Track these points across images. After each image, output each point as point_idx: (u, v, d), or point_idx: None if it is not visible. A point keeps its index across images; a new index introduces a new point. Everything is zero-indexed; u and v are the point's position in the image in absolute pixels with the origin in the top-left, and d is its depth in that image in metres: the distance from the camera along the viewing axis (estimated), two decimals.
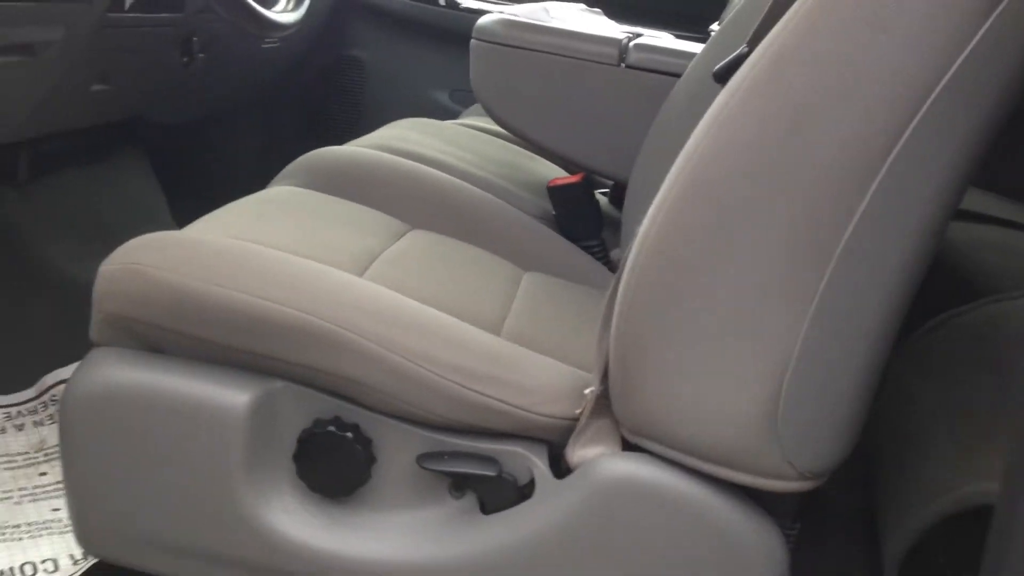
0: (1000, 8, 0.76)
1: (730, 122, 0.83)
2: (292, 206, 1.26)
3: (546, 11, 1.60)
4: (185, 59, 1.71)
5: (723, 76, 0.90)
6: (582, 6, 1.84)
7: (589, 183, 1.48)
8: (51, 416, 1.57)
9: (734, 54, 0.97)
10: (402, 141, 1.56)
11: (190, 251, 0.97)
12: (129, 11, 1.45)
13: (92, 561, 1.28)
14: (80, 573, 1.28)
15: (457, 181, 1.41)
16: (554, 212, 1.46)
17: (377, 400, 0.94)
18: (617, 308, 0.89)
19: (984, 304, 1.40)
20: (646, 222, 0.87)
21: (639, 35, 1.57)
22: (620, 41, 1.47)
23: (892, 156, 0.79)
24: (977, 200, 2.04)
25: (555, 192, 1.46)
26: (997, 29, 0.77)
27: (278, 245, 1.04)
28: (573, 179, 1.46)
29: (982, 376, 1.22)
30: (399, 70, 2.45)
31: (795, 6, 0.81)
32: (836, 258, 0.81)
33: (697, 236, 0.84)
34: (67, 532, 1.33)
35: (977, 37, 0.77)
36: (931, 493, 1.06)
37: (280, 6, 1.79)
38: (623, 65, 1.45)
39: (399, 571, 0.95)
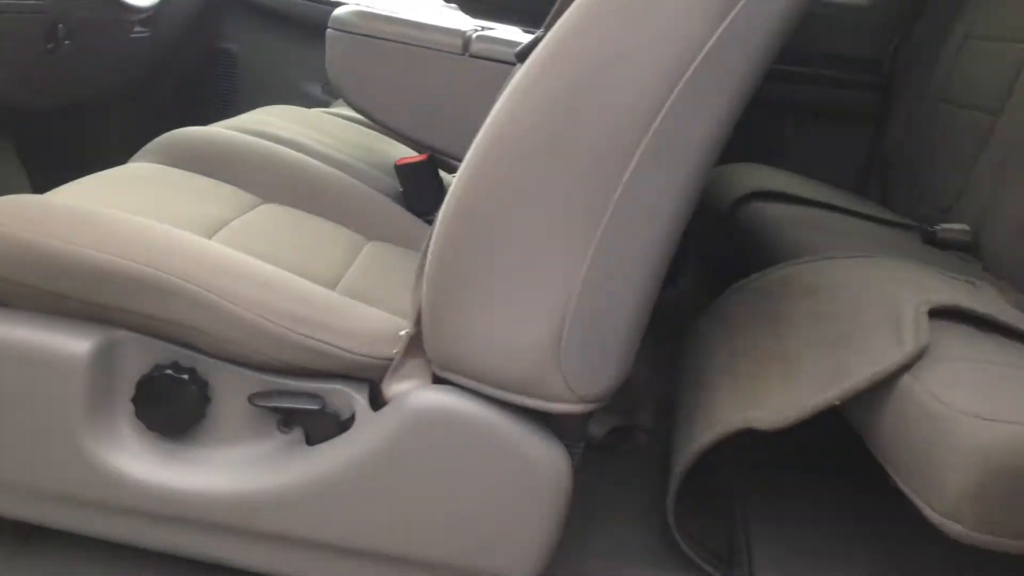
0: (741, 3, 0.92)
1: (522, 93, 0.96)
2: (147, 180, 1.35)
3: (401, 6, 1.71)
4: (50, 45, 1.76)
5: (522, 56, 1.03)
6: (441, 2, 1.97)
7: (434, 162, 1.60)
8: None
9: (532, 37, 1.11)
10: (262, 124, 1.65)
11: (38, 211, 1.06)
12: None
13: None
14: None
15: (310, 160, 1.52)
16: (401, 188, 1.58)
17: (212, 345, 1.04)
18: (428, 258, 1.02)
19: (779, 268, 1.58)
20: (455, 182, 1.00)
21: (487, 28, 1.70)
22: (464, 32, 1.60)
23: (656, 123, 0.93)
24: (796, 184, 2.24)
25: (402, 170, 1.57)
26: (742, 16, 0.92)
27: (127, 210, 1.13)
28: (419, 158, 1.58)
29: (763, 325, 1.38)
30: (271, 63, 2.53)
31: None
32: (609, 212, 0.95)
33: (494, 192, 0.97)
34: None
35: (725, 23, 0.92)
36: (708, 423, 1.21)
37: None
38: (467, 55, 1.57)
39: (232, 501, 1.06)
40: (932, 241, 2.02)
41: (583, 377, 1.00)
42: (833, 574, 1.30)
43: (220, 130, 1.53)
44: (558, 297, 0.97)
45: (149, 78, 2.40)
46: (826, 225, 1.94)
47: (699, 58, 0.91)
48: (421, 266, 1.05)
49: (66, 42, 1.81)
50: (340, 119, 1.93)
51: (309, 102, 2.38)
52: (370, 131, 1.86)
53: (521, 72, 0.96)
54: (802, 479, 1.47)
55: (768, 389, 1.23)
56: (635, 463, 1.53)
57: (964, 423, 0.99)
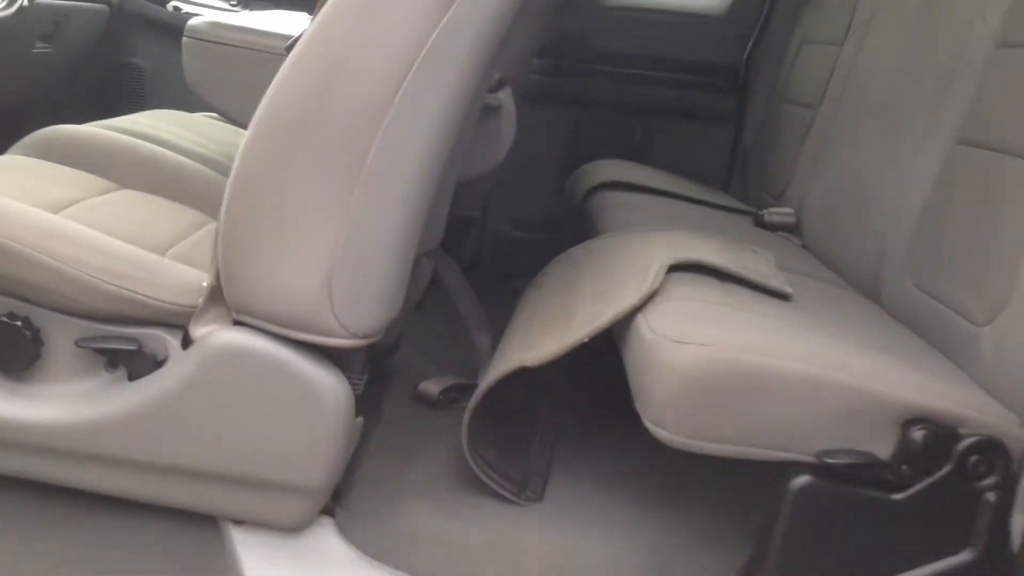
0: (455, 3, 1.13)
1: (286, 75, 1.17)
2: (13, 167, 1.55)
3: (257, 17, 1.92)
4: None
5: (290, 48, 1.23)
6: (306, 15, 2.17)
7: None
8: None
9: (300, 32, 1.31)
10: (132, 123, 1.85)
11: None
12: None
13: None
14: None
15: (165, 151, 1.72)
16: None
17: (43, 297, 1.24)
18: (221, 218, 1.22)
19: (588, 242, 1.80)
20: (239, 152, 1.20)
21: None
22: (297, 37, 1.80)
23: (397, 97, 1.14)
24: (649, 177, 2.46)
25: None
26: (459, 11, 1.14)
27: None
28: None
29: (559, 287, 1.60)
30: (176, 75, 2.72)
31: None
32: (364, 172, 1.16)
33: (267, 160, 1.18)
34: None
35: (446, 17, 1.14)
36: (496, 366, 1.43)
37: None
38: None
39: (68, 429, 1.25)
40: (762, 224, 2.25)
41: (353, 315, 1.20)
42: (610, 492, 1.51)
43: (87, 128, 1.73)
44: (325, 246, 1.17)
45: (56, 89, 2.58)
46: (658, 210, 2.16)
47: (428, 44, 1.13)
48: (219, 225, 1.25)
49: None
50: (219, 122, 2.13)
51: (200, 107, 2.57)
52: (241, 130, 2.06)
53: (288, 59, 1.17)
54: (608, 418, 1.66)
55: (546, 335, 1.44)
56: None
57: (665, 346, 1.20)
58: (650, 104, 2.87)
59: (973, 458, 1.18)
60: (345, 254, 1.17)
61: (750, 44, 2.82)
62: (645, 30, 2.89)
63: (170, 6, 2.61)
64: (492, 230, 2.80)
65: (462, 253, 2.42)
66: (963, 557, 1.20)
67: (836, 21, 2.34)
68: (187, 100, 2.71)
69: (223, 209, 1.21)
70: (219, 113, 1.86)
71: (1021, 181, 1.31)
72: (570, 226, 2.38)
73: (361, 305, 1.21)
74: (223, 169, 1.78)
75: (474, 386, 1.82)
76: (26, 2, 2.09)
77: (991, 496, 1.18)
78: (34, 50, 2.31)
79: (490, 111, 1.77)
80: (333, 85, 1.15)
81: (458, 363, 1.89)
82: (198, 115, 2.20)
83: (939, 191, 1.53)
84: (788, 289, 1.46)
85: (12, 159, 1.60)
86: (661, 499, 1.53)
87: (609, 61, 2.85)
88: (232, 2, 2.83)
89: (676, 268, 1.40)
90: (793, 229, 2.22)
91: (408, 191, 1.19)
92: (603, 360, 1.53)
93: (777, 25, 2.73)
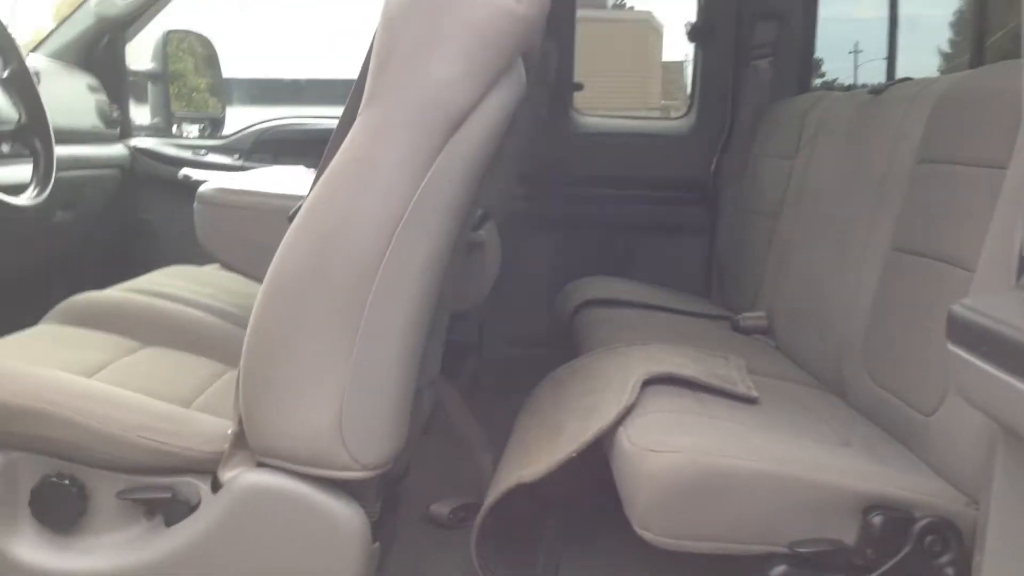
0: (437, 162, 1.31)
1: (289, 244, 1.34)
2: (48, 337, 1.71)
3: (254, 177, 2.12)
4: None
5: (292, 217, 1.41)
6: (303, 168, 2.37)
7: None
8: None
9: (299, 202, 1.47)
10: (152, 284, 2.03)
11: None
12: None
13: None
14: None
15: (185, 308, 1.89)
16: None
17: (86, 456, 1.38)
18: (240, 371, 1.37)
19: (577, 360, 1.95)
20: (254, 308, 1.36)
21: None
22: (303, 196, 1.99)
23: (386, 256, 1.31)
24: (632, 291, 2.63)
25: None
26: (434, 178, 1.31)
27: (28, 361, 1.49)
28: None
29: (548, 404, 1.75)
30: (184, 230, 2.92)
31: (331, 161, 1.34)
32: (363, 322, 1.31)
33: (277, 318, 1.34)
34: None
35: (422, 184, 1.31)
36: (496, 485, 1.56)
37: (28, 192, 2.17)
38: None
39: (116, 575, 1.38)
40: (738, 328, 2.41)
41: (364, 449, 1.35)
42: None
43: (110, 292, 1.91)
44: (334, 390, 1.32)
45: (74, 253, 2.77)
46: (640, 324, 2.32)
47: (412, 202, 1.30)
48: (239, 376, 1.40)
49: None
50: (229, 273, 2.31)
51: (209, 259, 2.76)
52: (251, 281, 2.23)
53: (291, 227, 1.35)
54: (608, 524, 1.77)
55: (539, 451, 1.58)
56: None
57: (643, 456, 1.35)
58: (629, 220, 3.06)
59: (929, 538, 1.31)
60: (352, 395, 1.33)
61: (715, 159, 3.03)
62: (617, 152, 3.11)
63: (181, 175, 2.82)
64: (490, 351, 2.95)
65: (463, 378, 2.57)
66: None
67: (788, 137, 2.55)
68: (196, 252, 2.91)
69: (242, 362, 1.37)
70: (230, 268, 2.03)
71: (947, 283, 1.48)
72: (561, 342, 2.54)
73: (371, 439, 1.35)
74: (236, 319, 1.94)
75: (478, 505, 1.95)
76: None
77: (949, 571, 1.31)
78: (55, 219, 2.50)
79: (474, 247, 1.95)
80: (329, 249, 1.32)
81: (465, 483, 2.02)
82: (208, 268, 2.38)
83: (882, 293, 1.70)
84: (754, 394, 1.60)
85: (47, 328, 1.77)
86: None
87: (586, 183, 3.06)
88: (235, 156, 3.05)
89: (651, 382, 1.56)
90: (767, 331, 2.38)
91: (404, 333, 1.35)
92: (600, 468, 1.67)
93: (737, 141, 2.95)
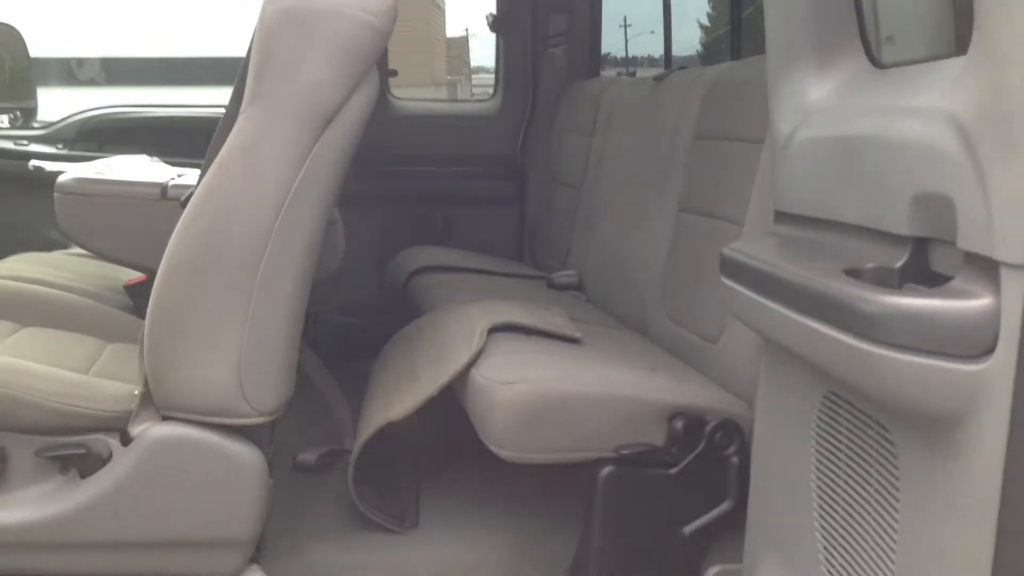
0: (312, 152, 1.55)
1: (187, 223, 1.55)
2: None
3: (108, 166, 2.25)
4: None
5: (185, 202, 1.61)
6: (145, 157, 2.51)
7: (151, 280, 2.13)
8: None
9: (191, 189, 1.67)
10: (15, 270, 2.14)
11: None
12: None
13: None
14: None
15: (52, 291, 2.02)
16: (132, 302, 2.10)
17: (6, 422, 1.54)
18: (145, 337, 1.57)
19: (419, 319, 2.22)
20: (155, 284, 1.56)
21: (182, 175, 2.25)
22: (163, 184, 2.15)
23: (274, 230, 1.53)
24: (455, 257, 2.91)
25: (131, 288, 2.11)
26: (313, 162, 1.55)
27: None
28: (143, 278, 2.11)
29: (402, 355, 2.02)
30: (16, 217, 2.95)
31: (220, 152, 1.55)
32: (255, 288, 1.54)
33: (178, 284, 1.55)
34: None
35: (301, 172, 1.55)
36: (365, 426, 1.82)
37: None
38: (165, 198, 2.12)
39: (32, 527, 1.54)
40: (553, 286, 2.75)
41: (260, 398, 1.58)
42: (468, 509, 1.93)
43: None
44: (233, 347, 1.55)
45: None
46: (469, 286, 2.62)
47: (293, 187, 1.53)
48: (141, 343, 1.60)
49: None
50: (75, 256, 2.42)
51: (51, 244, 2.83)
52: (100, 262, 2.35)
53: (186, 210, 1.55)
54: (456, 453, 2.06)
55: (400, 396, 1.86)
56: (340, 476, 2.10)
57: (496, 388, 1.64)
58: (445, 195, 3.35)
59: (718, 435, 1.68)
60: (249, 351, 1.55)
61: (521, 137, 3.37)
62: (432, 133, 3.38)
63: (31, 166, 2.86)
64: (324, 320, 3.17)
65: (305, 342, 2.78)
66: (724, 506, 1.69)
67: (585, 117, 2.92)
68: (26, 236, 2.95)
69: (146, 329, 1.56)
70: (91, 252, 2.16)
71: (723, 235, 1.86)
72: (397, 308, 2.80)
73: (266, 389, 1.59)
74: (100, 298, 2.10)
75: (342, 451, 2.19)
76: None
77: (735, 459, 1.68)
78: None
79: (330, 223, 2.18)
80: (224, 228, 1.54)
81: (325, 433, 2.26)
82: (56, 253, 2.48)
83: (673, 247, 2.07)
84: (578, 335, 1.94)
85: None
86: (511, 508, 1.96)
87: (405, 162, 3.31)
88: (58, 145, 3.11)
89: (494, 330, 1.86)
90: (578, 287, 2.74)
91: (291, 297, 1.59)
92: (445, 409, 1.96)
93: (540, 120, 3.30)
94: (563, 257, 2.90)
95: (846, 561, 1.11)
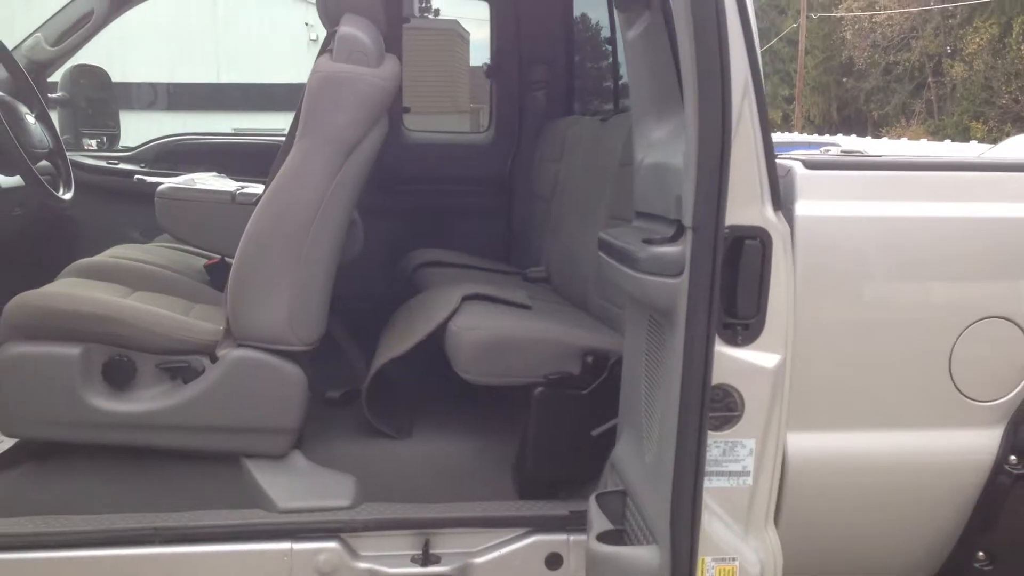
0: (340, 171, 2.34)
1: (260, 209, 2.34)
2: (77, 284, 2.62)
3: (193, 180, 3.06)
4: None
5: (257, 200, 2.40)
6: (214, 174, 3.32)
7: (224, 261, 2.93)
8: None
9: (260, 191, 2.47)
10: (123, 254, 2.95)
11: (50, 291, 2.34)
12: None
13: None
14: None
15: (154, 268, 2.83)
16: (209, 277, 2.91)
17: (135, 344, 2.33)
18: (228, 287, 2.36)
19: (420, 294, 3.01)
20: (238, 249, 2.35)
21: (244, 187, 3.05)
22: (232, 191, 2.95)
23: (316, 216, 2.33)
24: (454, 257, 3.69)
25: (210, 268, 2.91)
26: (347, 169, 2.35)
27: (82, 291, 2.41)
28: (217, 260, 2.92)
29: (405, 316, 2.81)
30: (104, 220, 3.77)
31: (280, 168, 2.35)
32: (304, 251, 2.33)
33: (253, 250, 2.34)
34: None
35: (336, 178, 2.34)
36: (375, 362, 2.60)
37: (61, 192, 3.06)
38: (235, 202, 2.92)
39: (152, 415, 2.33)
40: (527, 279, 3.53)
41: (303, 332, 2.37)
42: (442, 423, 2.70)
43: (100, 257, 2.82)
44: (284, 299, 2.34)
45: (34, 234, 3.56)
46: (462, 277, 3.39)
47: (329, 189, 2.33)
48: (225, 296, 2.38)
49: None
50: (161, 247, 3.23)
51: (135, 240, 3.63)
52: (181, 251, 3.16)
53: (259, 204, 2.35)
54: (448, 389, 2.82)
55: (401, 340, 2.64)
56: (357, 408, 2.86)
57: (464, 333, 2.42)
58: (447, 207, 4.15)
59: (616, 367, 2.44)
60: (295, 300, 2.35)
61: (510, 162, 4.17)
62: (438, 157, 4.19)
63: (136, 179, 3.68)
64: (345, 305, 3.96)
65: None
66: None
67: (555, 147, 3.71)
68: (113, 236, 3.75)
69: (228, 285, 2.36)
70: (180, 241, 2.98)
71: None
72: (403, 294, 3.58)
73: (306, 327, 2.38)
74: (186, 275, 2.90)
75: (359, 390, 2.97)
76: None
77: None
78: (13, 214, 3.33)
79: (351, 222, 2.98)
80: (281, 218, 2.34)
81: (346, 377, 3.03)
82: (149, 245, 3.30)
83: None
84: (528, 303, 2.72)
85: (69, 280, 2.67)
86: (476, 422, 2.72)
87: (414, 181, 4.11)
88: (141, 165, 3.93)
89: (467, 298, 2.64)
90: (547, 280, 3.51)
91: (325, 262, 2.39)
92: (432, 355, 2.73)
93: (524, 149, 4.10)
94: (536, 256, 3.69)
95: (647, 414, 1.89)
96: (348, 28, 2.40)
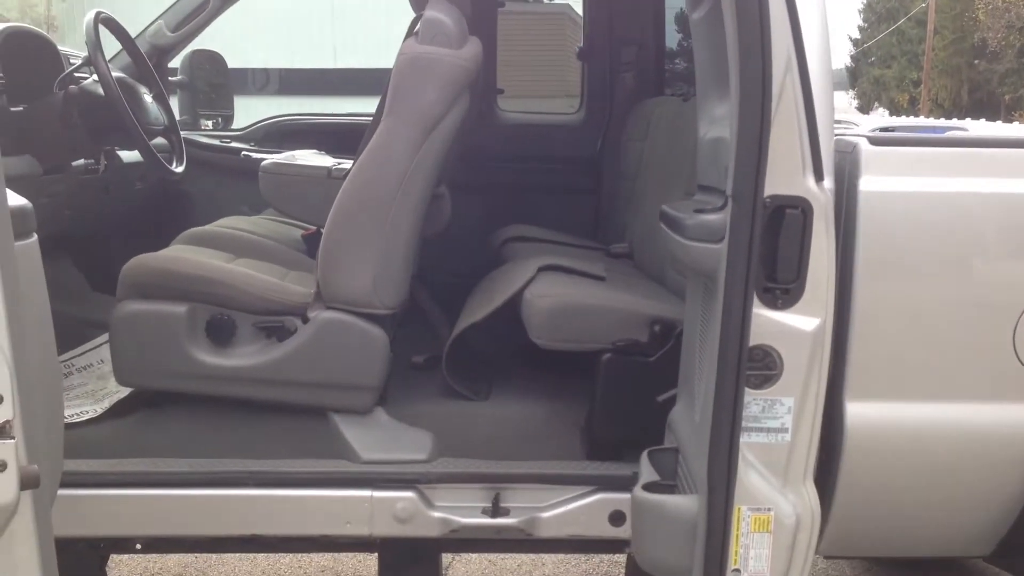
0: (422, 148, 2.50)
1: (350, 180, 2.53)
2: (188, 250, 2.86)
3: (293, 156, 3.28)
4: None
5: (347, 173, 2.58)
6: (315, 151, 3.53)
7: (319, 232, 3.13)
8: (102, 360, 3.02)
9: (349, 165, 2.66)
10: (230, 225, 3.19)
11: (163, 255, 2.58)
12: None
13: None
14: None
15: (256, 237, 3.06)
16: (306, 246, 3.12)
17: (235, 304, 2.55)
18: (320, 254, 2.55)
19: (503, 265, 3.16)
20: (328, 218, 2.54)
21: (340, 163, 3.25)
22: (329, 167, 3.15)
23: (400, 188, 2.50)
24: (541, 233, 3.83)
25: (307, 238, 3.13)
26: (427, 147, 2.51)
27: (191, 256, 2.64)
28: (313, 230, 3.13)
29: (486, 287, 2.96)
30: (216, 195, 4.04)
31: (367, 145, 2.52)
32: (388, 222, 2.50)
33: (343, 220, 2.52)
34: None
35: (418, 154, 2.50)
36: (456, 327, 2.76)
37: (174, 166, 3.34)
38: (331, 177, 3.11)
39: (249, 370, 2.54)
40: (610, 255, 3.64)
41: (387, 297, 2.54)
42: (520, 386, 2.84)
43: (209, 227, 3.06)
44: (369, 265, 2.51)
45: (154, 205, 3.85)
46: (543, 251, 3.53)
47: (412, 163, 2.49)
48: (317, 263, 2.58)
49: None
50: (265, 219, 3.47)
51: (243, 213, 3.88)
52: (282, 223, 3.39)
53: (348, 176, 2.53)
54: (524, 355, 2.96)
55: (481, 307, 2.79)
56: (439, 372, 3.02)
57: (538, 300, 2.56)
58: (539, 185, 4.27)
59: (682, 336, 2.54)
60: (380, 267, 2.52)
61: (599, 142, 4.27)
62: (531, 137, 4.32)
63: (242, 155, 3.96)
64: (432, 278, 4.14)
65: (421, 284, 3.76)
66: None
67: (641, 127, 3.79)
68: (223, 209, 4.01)
69: (320, 252, 2.55)
70: (280, 212, 3.20)
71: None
72: (491, 267, 3.74)
73: (389, 292, 2.55)
74: (285, 244, 3.12)
75: (442, 355, 3.14)
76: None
77: None
78: (136, 188, 3.62)
79: (437, 197, 3.14)
80: (368, 191, 2.51)
81: (431, 343, 3.20)
82: (253, 217, 3.54)
83: None
84: (603, 274, 2.83)
85: (181, 247, 2.91)
86: (548, 387, 2.85)
87: (509, 160, 4.26)
88: (251, 143, 4.19)
89: (543, 268, 2.77)
90: (629, 255, 3.61)
91: (406, 235, 2.55)
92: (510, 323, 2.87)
93: (613, 130, 4.19)
94: (621, 232, 3.79)
95: (697, 376, 1.98)
96: (433, 12, 2.55)
